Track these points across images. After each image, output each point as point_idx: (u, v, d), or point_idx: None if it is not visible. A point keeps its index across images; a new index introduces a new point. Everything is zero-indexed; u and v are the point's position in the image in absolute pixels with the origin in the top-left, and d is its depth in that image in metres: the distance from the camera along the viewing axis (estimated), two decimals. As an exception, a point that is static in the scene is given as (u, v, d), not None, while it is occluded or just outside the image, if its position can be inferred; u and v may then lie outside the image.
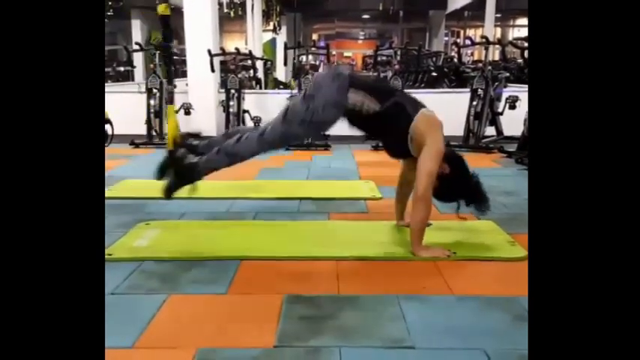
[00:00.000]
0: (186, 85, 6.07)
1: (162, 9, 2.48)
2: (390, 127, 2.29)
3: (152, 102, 5.35)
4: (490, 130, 5.24)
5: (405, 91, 3.06)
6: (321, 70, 2.49)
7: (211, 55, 5.57)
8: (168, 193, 2.49)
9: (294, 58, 7.65)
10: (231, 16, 11.60)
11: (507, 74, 6.02)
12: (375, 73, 6.49)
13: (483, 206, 2.32)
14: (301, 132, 2.40)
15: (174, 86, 2.71)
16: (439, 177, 2.20)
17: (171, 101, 2.63)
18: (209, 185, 2.78)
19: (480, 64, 6.14)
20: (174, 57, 6.46)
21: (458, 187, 2.29)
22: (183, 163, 2.48)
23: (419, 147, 2.23)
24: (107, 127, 4.91)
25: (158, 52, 5.98)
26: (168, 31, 2.60)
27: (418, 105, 2.29)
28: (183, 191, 2.51)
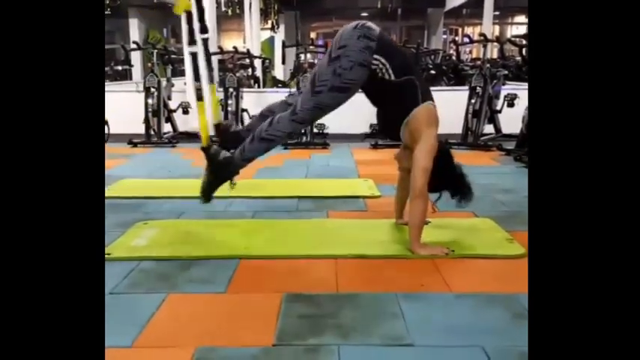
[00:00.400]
0: (184, 84, 6.05)
1: (184, 4, 2.38)
2: (394, 100, 2.26)
3: (150, 101, 5.34)
4: (489, 128, 5.24)
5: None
6: (345, 27, 2.32)
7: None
8: (205, 194, 2.38)
9: (297, 56, 7.62)
10: (228, 15, 11.57)
11: (506, 72, 6.02)
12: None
13: (467, 198, 2.33)
14: (332, 101, 2.24)
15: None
16: None
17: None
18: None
19: (479, 62, 6.15)
20: (173, 56, 6.43)
21: (443, 177, 2.28)
22: (218, 159, 2.37)
23: (411, 135, 2.23)
24: (104, 126, 4.91)
25: (155, 50, 5.97)
26: (204, 23, 2.50)
27: (428, 95, 2.28)
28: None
